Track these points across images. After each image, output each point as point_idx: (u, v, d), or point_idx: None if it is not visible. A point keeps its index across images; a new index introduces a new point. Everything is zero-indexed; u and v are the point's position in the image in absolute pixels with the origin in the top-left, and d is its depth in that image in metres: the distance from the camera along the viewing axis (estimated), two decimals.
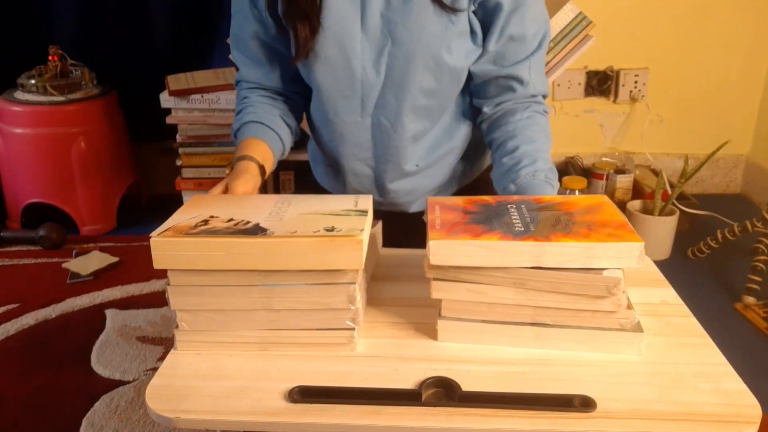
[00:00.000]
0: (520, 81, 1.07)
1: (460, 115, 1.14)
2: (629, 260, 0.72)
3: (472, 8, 1.02)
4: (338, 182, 1.21)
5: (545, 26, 1.07)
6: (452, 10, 1.01)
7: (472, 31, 1.04)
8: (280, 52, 1.11)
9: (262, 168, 1.03)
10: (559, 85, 2.49)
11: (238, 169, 0.99)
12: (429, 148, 1.13)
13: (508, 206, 0.84)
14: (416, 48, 1.02)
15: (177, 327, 0.77)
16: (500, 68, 1.06)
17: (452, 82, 1.07)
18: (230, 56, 2.10)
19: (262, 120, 1.10)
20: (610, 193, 2.40)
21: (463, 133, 1.15)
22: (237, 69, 1.17)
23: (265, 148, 1.08)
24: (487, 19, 1.03)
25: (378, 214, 0.97)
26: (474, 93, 1.12)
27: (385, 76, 1.05)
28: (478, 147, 1.20)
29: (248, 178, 0.97)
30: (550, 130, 1.10)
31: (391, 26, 1.02)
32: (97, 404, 1.44)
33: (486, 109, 1.10)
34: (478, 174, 1.26)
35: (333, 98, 1.08)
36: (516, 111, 1.08)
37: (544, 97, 1.12)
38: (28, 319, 1.76)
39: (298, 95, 1.17)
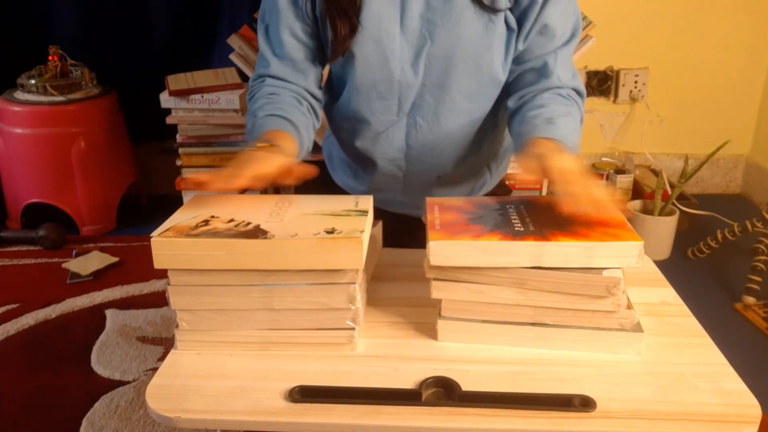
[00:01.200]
0: (544, 72, 1.04)
1: (498, 120, 1.13)
2: (629, 259, 0.72)
3: (509, 5, 1.01)
4: (359, 181, 1.21)
5: (576, 22, 1.05)
6: (492, 10, 1.00)
7: (509, 29, 1.02)
8: (313, 53, 1.08)
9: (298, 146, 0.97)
10: None
11: (268, 151, 0.90)
12: (462, 152, 1.12)
13: (507, 206, 0.84)
14: (456, 49, 1.01)
15: (177, 327, 0.77)
16: (526, 62, 1.04)
17: (492, 84, 1.06)
18: (230, 55, 2.11)
19: (294, 121, 1.03)
20: None
21: (496, 140, 1.15)
22: (261, 64, 1.10)
23: (294, 147, 0.99)
24: (521, 16, 1.02)
25: (378, 215, 0.97)
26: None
27: (424, 77, 1.04)
28: (503, 157, 1.21)
29: (276, 161, 0.88)
30: (581, 118, 1.05)
31: (431, 27, 1.01)
32: (97, 404, 1.44)
33: (510, 104, 1.07)
34: (493, 186, 1.26)
35: (369, 98, 1.07)
36: (537, 98, 1.04)
37: (577, 92, 1.07)
38: (28, 320, 1.76)
39: (318, 102, 1.13)
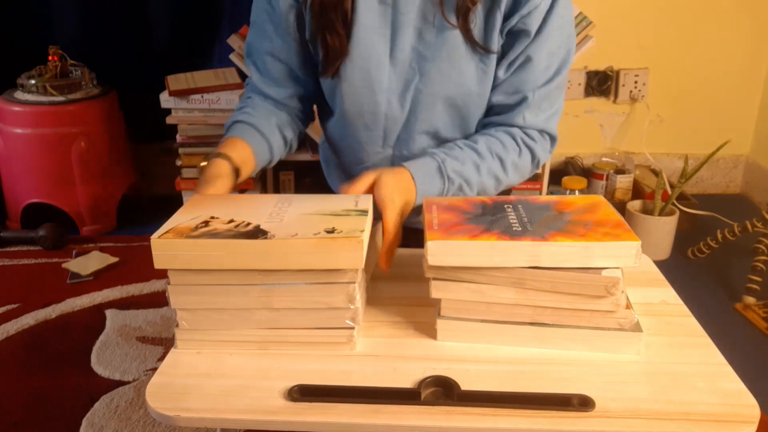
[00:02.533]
0: (513, 108, 1.02)
1: None
2: (626, 259, 0.72)
3: (501, 42, 0.99)
4: None
5: (566, 56, 1.01)
6: (485, 51, 0.98)
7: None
8: (294, 73, 1.08)
9: (236, 170, 0.97)
10: None
11: (209, 173, 0.93)
12: None
13: (505, 206, 0.84)
14: (444, 86, 1.00)
15: (177, 326, 0.77)
16: (501, 92, 1.02)
17: (478, 115, 1.05)
18: (230, 56, 2.11)
19: (255, 124, 1.05)
20: (610, 193, 2.40)
21: None
22: (249, 77, 1.13)
23: (248, 153, 1.02)
24: (508, 44, 0.99)
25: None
26: None
27: (410, 111, 1.03)
28: None
29: (219, 184, 0.92)
30: (519, 164, 1.03)
31: (421, 61, 1.00)
32: (97, 404, 1.44)
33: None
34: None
35: (356, 128, 1.06)
36: (483, 132, 1.04)
37: (541, 132, 1.04)
38: (28, 320, 1.76)
39: (303, 114, 1.14)
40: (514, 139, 1.03)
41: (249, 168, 1.01)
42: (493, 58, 1.00)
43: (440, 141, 1.06)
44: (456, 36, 0.98)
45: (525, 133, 1.04)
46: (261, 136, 1.05)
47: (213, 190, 0.90)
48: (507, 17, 0.98)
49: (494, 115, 1.05)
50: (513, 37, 0.99)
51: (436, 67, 0.99)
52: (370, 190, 0.90)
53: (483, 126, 1.07)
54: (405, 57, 1.00)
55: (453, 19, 0.97)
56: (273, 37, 1.06)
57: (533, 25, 0.97)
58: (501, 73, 1.01)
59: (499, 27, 0.98)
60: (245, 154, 1.01)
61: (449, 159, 0.98)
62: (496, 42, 0.99)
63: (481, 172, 1.01)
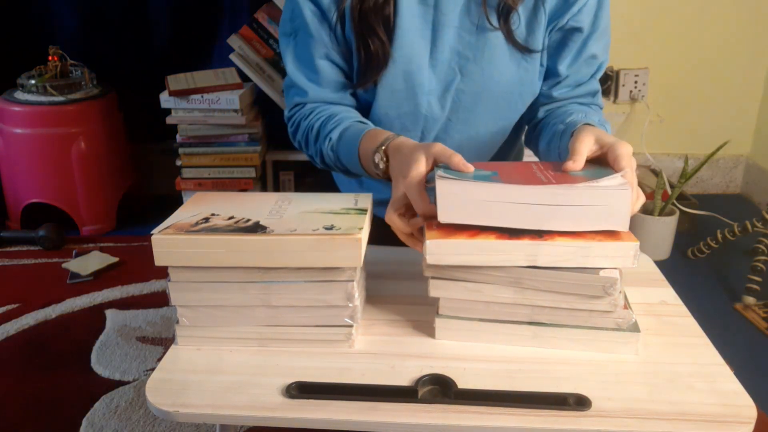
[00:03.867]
0: (590, 100, 1.06)
1: (518, 136, 1.13)
2: (624, 260, 0.72)
3: (547, 41, 0.99)
4: (364, 191, 1.18)
5: (608, 52, 1.05)
6: (528, 51, 0.98)
7: (542, 64, 1.01)
8: (347, 84, 1.03)
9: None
10: None
11: (403, 150, 0.82)
12: None
13: None
14: (486, 86, 0.99)
15: (177, 322, 0.77)
16: (571, 87, 1.04)
17: (518, 115, 1.05)
18: (230, 56, 2.11)
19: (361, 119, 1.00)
20: None
21: (514, 152, 1.15)
22: (297, 92, 1.04)
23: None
24: (563, 41, 1.00)
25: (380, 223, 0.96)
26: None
27: (450, 111, 1.02)
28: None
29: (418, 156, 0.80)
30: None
31: (462, 61, 0.98)
32: (97, 404, 1.44)
33: (540, 114, 1.06)
34: None
35: (392, 128, 1.01)
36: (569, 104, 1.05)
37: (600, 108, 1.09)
38: (28, 320, 1.76)
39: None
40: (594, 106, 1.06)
41: None
42: (536, 57, 1.00)
43: (478, 140, 1.05)
44: (497, 36, 0.97)
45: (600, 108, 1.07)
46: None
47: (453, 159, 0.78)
48: (555, 16, 0.98)
49: (562, 104, 1.05)
50: (566, 34, 1.00)
51: (478, 68, 0.98)
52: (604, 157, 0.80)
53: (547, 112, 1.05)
54: (445, 58, 0.98)
55: (495, 20, 0.96)
56: (327, 41, 0.99)
57: (585, 21, 0.98)
58: (563, 69, 1.02)
59: (544, 26, 0.98)
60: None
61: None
62: (540, 41, 0.98)
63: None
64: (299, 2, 0.98)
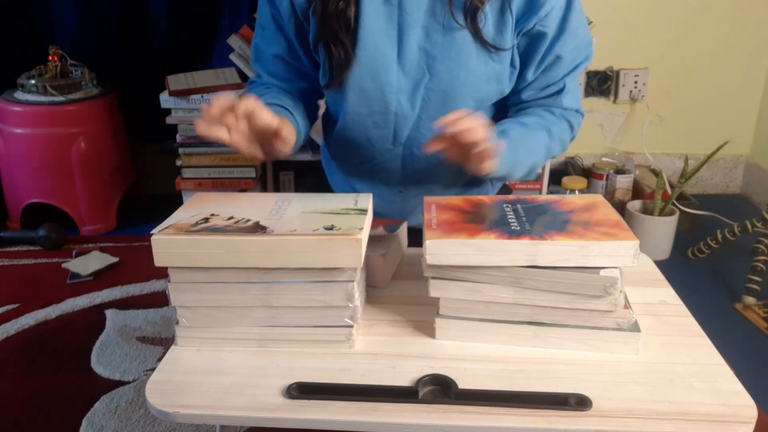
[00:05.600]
0: (552, 101, 1.06)
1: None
2: (624, 259, 0.72)
3: (515, 42, 1.00)
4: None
5: (586, 52, 1.06)
6: (495, 49, 0.98)
7: (513, 67, 1.02)
8: (302, 71, 1.08)
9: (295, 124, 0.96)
10: None
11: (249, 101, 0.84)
12: (461, 173, 1.09)
13: (504, 206, 0.84)
14: (455, 84, 1.00)
15: (177, 323, 0.77)
16: (535, 89, 1.05)
17: (489, 114, 1.06)
18: (230, 56, 2.11)
19: (287, 107, 1.02)
20: (610, 193, 2.40)
21: None
22: (255, 69, 1.12)
23: (292, 129, 0.94)
24: (530, 46, 1.01)
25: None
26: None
27: (420, 109, 1.03)
28: None
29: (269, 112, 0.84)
30: (564, 137, 1.07)
31: (430, 60, 0.99)
32: (97, 404, 1.44)
33: (510, 114, 1.09)
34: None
35: (365, 127, 1.06)
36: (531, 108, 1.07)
37: (577, 112, 1.10)
38: (28, 320, 1.76)
39: (310, 105, 1.14)
40: (553, 113, 1.07)
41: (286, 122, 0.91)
42: (505, 57, 1.00)
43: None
44: (465, 35, 0.98)
45: (563, 110, 1.08)
46: (295, 122, 1.01)
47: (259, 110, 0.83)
48: (521, 19, 0.98)
49: (529, 104, 1.07)
50: (532, 38, 1.00)
51: (445, 67, 0.99)
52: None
53: (518, 110, 1.08)
54: (414, 57, 0.99)
55: (461, 19, 0.97)
56: (280, 40, 1.05)
57: (551, 26, 0.98)
58: (530, 75, 1.03)
59: (511, 27, 0.98)
60: (290, 128, 0.93)
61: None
62: (509, 40, 0.99)
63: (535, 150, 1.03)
64: (263, 3, 1.04)
